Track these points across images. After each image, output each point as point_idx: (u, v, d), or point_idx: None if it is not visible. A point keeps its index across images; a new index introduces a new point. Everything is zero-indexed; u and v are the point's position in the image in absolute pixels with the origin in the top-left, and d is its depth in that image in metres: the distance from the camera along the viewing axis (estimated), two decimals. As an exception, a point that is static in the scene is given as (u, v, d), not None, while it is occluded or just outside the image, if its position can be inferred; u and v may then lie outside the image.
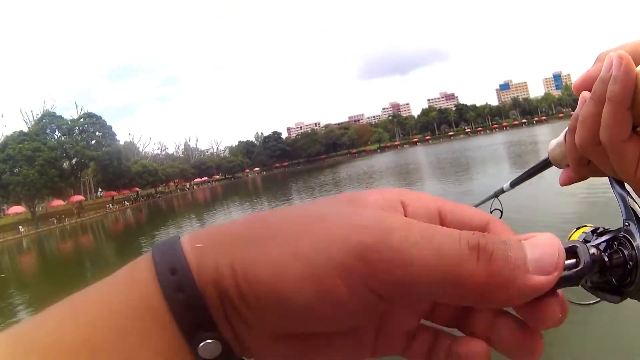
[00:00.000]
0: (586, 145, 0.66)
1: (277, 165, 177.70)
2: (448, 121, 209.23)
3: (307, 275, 0.37)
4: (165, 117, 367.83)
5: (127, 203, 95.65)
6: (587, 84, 0.69)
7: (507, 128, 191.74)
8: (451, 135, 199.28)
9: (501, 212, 1.66)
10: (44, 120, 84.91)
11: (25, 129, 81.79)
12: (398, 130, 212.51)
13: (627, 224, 0.63)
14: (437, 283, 0.37)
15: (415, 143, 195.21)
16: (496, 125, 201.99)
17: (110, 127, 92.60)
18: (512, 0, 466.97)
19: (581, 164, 0.72)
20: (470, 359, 0.42)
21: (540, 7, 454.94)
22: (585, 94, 0.67)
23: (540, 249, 0.39)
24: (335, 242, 0.38)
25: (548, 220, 10.99)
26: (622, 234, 0.67)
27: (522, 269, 0.37)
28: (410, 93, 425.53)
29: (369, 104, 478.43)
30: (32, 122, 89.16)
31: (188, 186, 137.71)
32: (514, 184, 1.43)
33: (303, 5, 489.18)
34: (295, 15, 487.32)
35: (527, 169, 1.14)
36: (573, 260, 0.42)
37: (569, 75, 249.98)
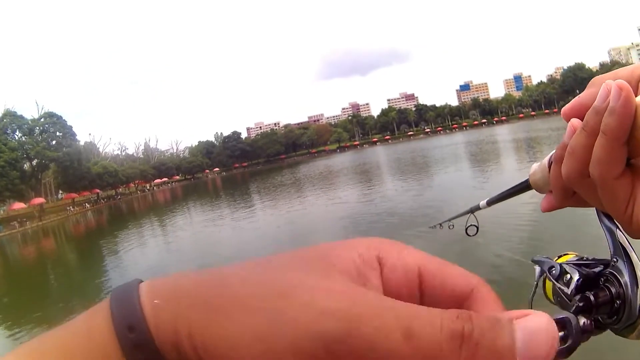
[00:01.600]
0: (574, 178, 0.63)
1: (237, 165, 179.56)
2: (408, 121, 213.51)
3: (268, 359, 0.35)
4: (126, 117, 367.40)
5: (87, 205, 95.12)
6: (577, 111, 0.66)
7: (467, 128, 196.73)
8: (411, 135, 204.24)
9: (477, 228, 1.71)
10: (4, 120, 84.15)
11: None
12: (358, 130, 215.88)
13: (614, 259, 0.63)
14: None
15: (374, 143, 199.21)
16: (456, 125, 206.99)
17: (71, 127, 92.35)
18: (472, 1, 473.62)
19: (566, 194, 0.69)
20: None
21: (503, 8, 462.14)
22: (575, 123, 0.63)
23: (534, 336, 0.36)
24: (298, 328, 0.35)
25: (525, 240, 10.85)
26: (608, 270, 0.65)
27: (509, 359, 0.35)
28: (370, 93, 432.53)
29: (328, 104, 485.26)
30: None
31: (148, 187, 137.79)
32: (491, 202, 1.39)
33: (263, 4, 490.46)
34: (255, 15, 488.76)
35: (505, 189, 1.09)
36: (562, 333, 0.42)
37: (529, 76, 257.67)
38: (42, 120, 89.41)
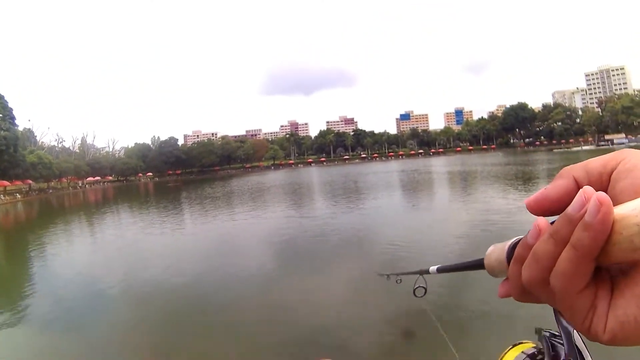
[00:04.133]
0: (535, 285, 0.60)
1: (171, 172, 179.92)
2: (345, 145, 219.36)
3: None
4: (66, 108, 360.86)
5: (18, 195, 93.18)
6: (541, 204, 0.62)
7: (403, 157, 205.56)
8: (346, 159, 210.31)
9: (425, 290, 1.72)
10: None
11: None
12: (294, 149, 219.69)
13: None
14: None
15: (309, 163, 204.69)
16: (392, 154, 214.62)
17: (12, 110, 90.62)
18: (421, 34, 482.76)
19: (524, 292, 0.65)
20: None
21: (447, 42, 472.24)
22: (542, 224, 0.59)
23: None
24: None
25: (476, 310, 9.86)
26: None
27: None
28: (310, 113, 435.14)
29: (268, 119, 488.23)
30: None
31: (80, 184, 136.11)
32: (441, 270, 1.39)
33: (211, 12, 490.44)
34: (203, 21, 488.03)
35: (458, 262, 1.07)
36: None
37: (470, 112, 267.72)
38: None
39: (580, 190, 0.53)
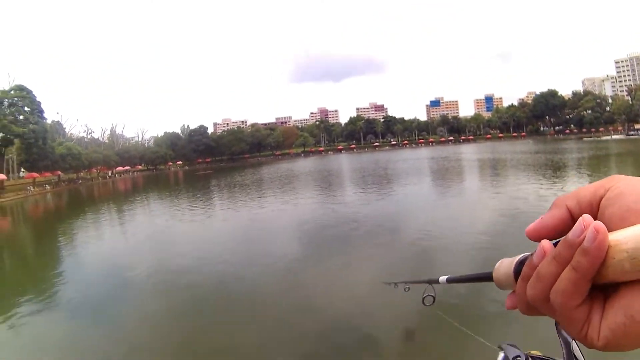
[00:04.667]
0: (539, 301, 0.68)
1: (200, 160, 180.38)
2: (375, 132, 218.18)
3: None
4: (95, 99, 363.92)
5: (48, 187, 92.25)
6: (540, 233, 0.71)
7: (433, 144, 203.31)
8: (376, 145, 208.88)
9: (434, 298, 1.77)
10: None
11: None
12: (324, 136, 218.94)
13: None
14: None
15: (339, 150, 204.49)
16: (422, 140, 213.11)
17: (39, 104, 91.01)
18: (451, 21, 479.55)
19: (530, 307, 0.73)
20: None
21: (481, 31, 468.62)
22: (546, 246, 0.67)
23: None
24: None
25: (482, 322, 9.42)
26: None
27: None
28: (340, 100, 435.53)
29: (297, 107, 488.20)
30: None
31: (110, 174, 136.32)
32: (451, 281, 1.43)
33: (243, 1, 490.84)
34: (233, 10, 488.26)
35: (468, 274, 1.12)
36: None
37: (500, 98, 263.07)
38: (12, 92, 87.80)
39: (580, 218, 0.61)
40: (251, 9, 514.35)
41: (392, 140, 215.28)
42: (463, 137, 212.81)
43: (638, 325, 0.56)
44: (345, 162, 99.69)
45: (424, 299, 1.74)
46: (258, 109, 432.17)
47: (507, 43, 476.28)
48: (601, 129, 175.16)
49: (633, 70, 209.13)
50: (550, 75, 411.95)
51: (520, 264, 0.75)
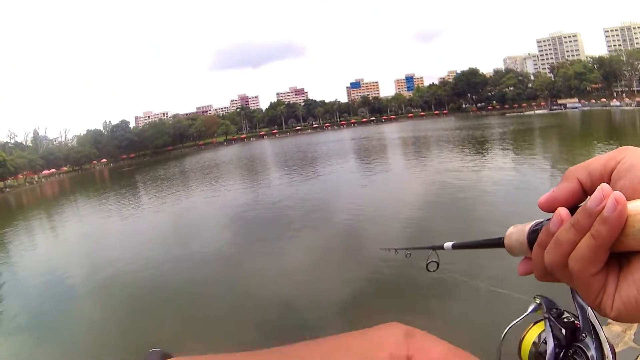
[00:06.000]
0: (556, 267, 0.69)
1: (125, 156, 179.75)
2: (296, 116, 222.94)
3: None
4: (15, 101, 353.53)
5: None
6: (550, 205, 0.73)
7: (355, 125, 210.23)
8: (298, 129, 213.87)
9: (438, 264, 1.76)
10: None
11: None
12: (245, 123, 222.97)
13: (583, 334, 0.72)
14: None
15: (262, 136, 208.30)
16: (344, 122, 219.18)
17: None
18: (370, 2, 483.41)
19: (546, 273, 0.73)
20: None
21: (401, 10, 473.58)
22: (563, 214, 0.68)
23: None
24: None
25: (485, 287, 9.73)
26: (577, 343, 0.77)
27: None
28: (261, 86, 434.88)
29: (218, 95, 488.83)
30: None
31: (36, 179, 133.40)
32: (457, 247, 1.39)
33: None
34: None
35: (476, 240, 1.10)
36: None
37: (421, 78, 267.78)
38: None
39: (599, 187, 0.63)
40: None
41: (313, 123, 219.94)
42: (385, 117, 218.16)
43: None
44: (268, 147, 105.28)
45: (427, 264, 1.78)
46: (179, 99, 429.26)
47: (427, 23, 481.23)
48: (524, 105, 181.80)
49: (555, 49, 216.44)
50: (472, 55, 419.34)
51: (534, 231, 0.76)
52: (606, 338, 0.71)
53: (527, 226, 0.78)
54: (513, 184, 23.51)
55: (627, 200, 0.61)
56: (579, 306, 0.76)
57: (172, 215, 27.04)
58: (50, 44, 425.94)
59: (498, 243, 0.87)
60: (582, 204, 0.68)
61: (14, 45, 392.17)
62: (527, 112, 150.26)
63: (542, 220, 0.75)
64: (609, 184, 0.65)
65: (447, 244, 1.45)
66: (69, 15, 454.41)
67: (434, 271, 1.72)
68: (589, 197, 0.65)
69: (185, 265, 15.72)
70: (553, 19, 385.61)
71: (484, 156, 35.03)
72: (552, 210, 0.72)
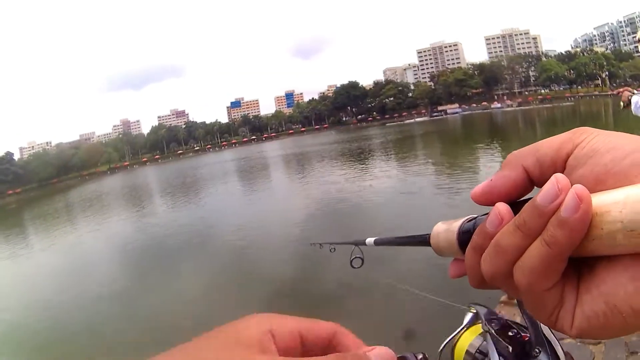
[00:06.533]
0: (497, 278, 0.55)
1: (11, 192, 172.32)
2: (177, 139, 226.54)
3: None
4: None
5: None
6: (488, 198, 0.58)
7: (237, 145, 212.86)
8: (180, 153, 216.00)
9: (362, 260, 1.60)
10: None
11: None
12: (128, 149, 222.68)
13: (537, 350, 0.66)
14: None
15: (145, 163, 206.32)
16: (225, 143, 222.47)
17: None
18: (249, 19, 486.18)
19: (482, 281, 0.58)
20: None
21: (273, 27, 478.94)
22: (503, 211, 0.53)
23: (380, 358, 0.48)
24: None
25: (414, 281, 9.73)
26: None
27: None
28: (142, 109, 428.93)
29: (101, 120, 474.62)
30: None
31: None
32: (379, 243, 1.27)
33: (25, 11, 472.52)
34: (23, 20, 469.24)
35: (400, 236, 0.93)
36: None
37: (301, 94, 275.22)
38: None
39: (553, 177, 0.48)
40: (41, 20, 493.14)
41: (195, 145, 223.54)
42: (265, 135, 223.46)
43: (620, 315, 0.45)
44: (151, 175, 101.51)
45: (351, 261, 1.62)
46: (62, 126, 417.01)
47: (306, 39, 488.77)
48: (404, 114, 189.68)
49: (436, 58, 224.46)
50: (352, 68, 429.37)
51: (466, 231, 0.62)
52: (565, 354, 0.65)
53: (457, 223, 0.65)
54: (394, 190, 24.48)
55: (590, 192, 0.47)
56: (528, 319, 0.69)
57: (59, 254, 25.82)
58: None
59: (424, 241, 0.73)
60: (528, 196, 0.56)
61: None
62: (408, 121, 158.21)
63: (475, 216, 0.62)
64: (563, 172, 0.52)
65: (369, 240, 1.37)
66: None
67: (358, 267, 1.63)
68: (538, 189, 0.52)
69: (80, 304, 14.66)
70: (434, 30, 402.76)
71: (363, 166, 36.55)
72: (489, 203, 0.57)
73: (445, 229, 0.67)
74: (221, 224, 23.60)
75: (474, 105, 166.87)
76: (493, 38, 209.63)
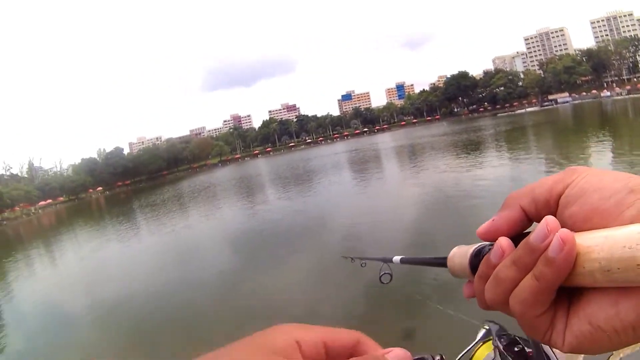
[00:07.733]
0: (497, 305, 0.63)
1: (120, 183, 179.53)
2: (289, 132, 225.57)
3: None
4: (9, 133, 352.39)
5: None
6: (490, 235, 0.66)
7: (349, 137, 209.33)
8: (292, 146, 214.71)
9: (391, 276, 1.65)
10: None
11: None
12: (239, 142, 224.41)
13: None
14: None
15: (256, 155, 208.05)
16: (337, 135, 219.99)
17: None
18: (359, 12, 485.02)
19: (487, 304, 0.66)
20: None
21: (387, 19, 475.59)
22: (504, 245, 0.61)
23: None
24: None
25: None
26: None
27: None
28: (253, 105, 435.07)
29: (211, 116, 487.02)
30: None
31: (33, 210, 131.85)
32: (405, 261, 1.35)
33: (141, 12, 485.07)
34: (134, 24, 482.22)
35: (422, 257, 1.02)
36: None
37: (412, 85, 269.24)
38: None
39: (543, 220, 0.55)
40: (155, 21, 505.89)
41: (307, 138, 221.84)
42: (377, 127, 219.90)
43: (604, 334, 0.52)
44: (262, 166, 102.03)
45: (381, 277, 1.68)
46: (172, 123, 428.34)
47: (415, 31, 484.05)
48: (515, 104, 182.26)
49: (543, 45, 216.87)
50: (461, 58, 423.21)
51: (476, 256, 0.70)
52: None
53: (471, 249, 0.72)
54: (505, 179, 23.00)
55: (577, 230, 0.55)
56: (530, 337, 0.70)
57: (173, 239, 26.21)
58: (40, 74, 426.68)
59: (442, 263, 0.81)
60: (528, 230, 0.64)
61: (5, 76, 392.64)
62: (519, 111, 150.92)
63: (485, 244, 0.69)
64: (556, 210, 0.60)
65: (396, 258, 1.43)
66: (59, 45, 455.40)
67: (387, 283, 1.67)
68: (535, 224, 0.59)
69: (185, 286, 15.42)
70: (539, 16, 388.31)
71: (476, 157, 35.38)
72: (492, 240, 0.65)
73: (460, 253, 0.74)
74: (331, 215, 23.17)
75: (584, 93, 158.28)
76: (598, 21, 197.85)
